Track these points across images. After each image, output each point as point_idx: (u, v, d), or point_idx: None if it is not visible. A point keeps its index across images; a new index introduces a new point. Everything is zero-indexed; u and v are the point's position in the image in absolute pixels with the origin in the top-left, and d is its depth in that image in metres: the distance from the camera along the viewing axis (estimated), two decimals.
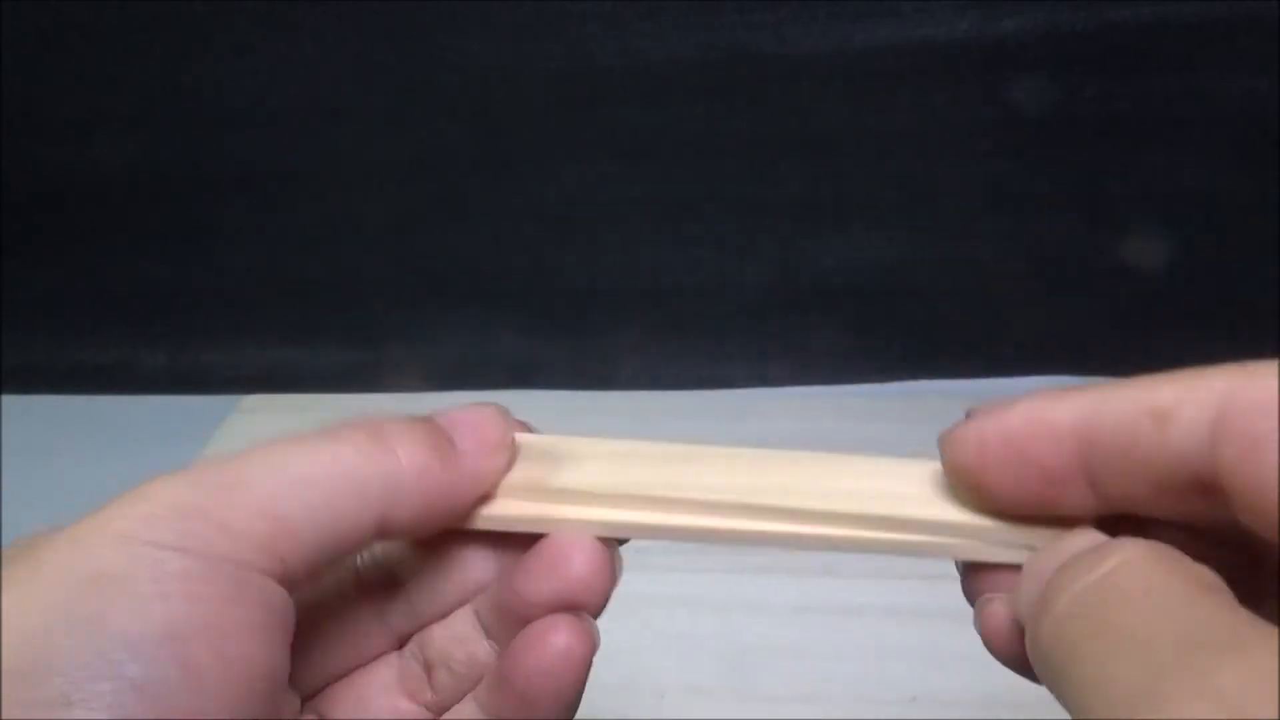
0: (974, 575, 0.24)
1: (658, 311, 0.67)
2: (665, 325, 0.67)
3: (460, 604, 0.27)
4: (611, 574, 0.26)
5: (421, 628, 0.28)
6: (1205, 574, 0.19)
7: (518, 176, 0.64)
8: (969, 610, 0.24)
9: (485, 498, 0.26)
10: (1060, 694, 0.18)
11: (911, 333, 0.65)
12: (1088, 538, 0.22)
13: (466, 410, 0.27)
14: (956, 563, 0.24)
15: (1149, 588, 0.18)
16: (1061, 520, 0.23)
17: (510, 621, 0.26)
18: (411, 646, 0.28)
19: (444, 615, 0.27)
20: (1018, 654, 0.21)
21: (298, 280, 0.70)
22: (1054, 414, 0.22)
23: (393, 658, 0.28)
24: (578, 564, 0.25)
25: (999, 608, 0.23)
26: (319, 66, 0.62)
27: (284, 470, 0.23)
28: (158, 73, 0.64)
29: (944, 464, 0.23)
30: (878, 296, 0.64)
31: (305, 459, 0.24)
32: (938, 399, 0.62)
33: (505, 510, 0.26)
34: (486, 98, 0.62)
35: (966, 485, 0.23)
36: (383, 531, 0.24)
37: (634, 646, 0.47)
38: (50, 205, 0.70)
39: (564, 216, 0.65)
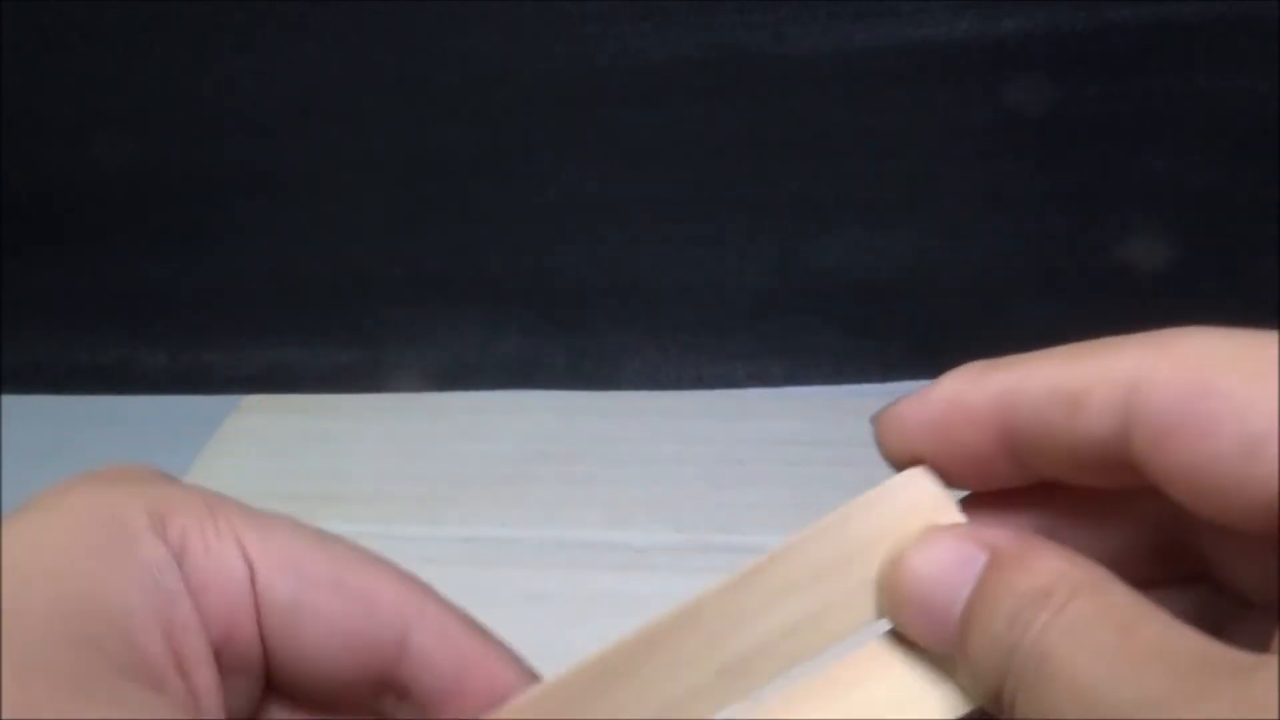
0: None
1: (658, 311, 0.67)
2: (665, 325, 0.67)
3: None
4: None
5: None
6: (1143, 614, 0.18)
7: (518, 176, 0.64)
8: None
9: None
10: None
11: (911, 333, 0.65)
12: (962, 544, 0.20)
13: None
14: None
15: (1088, 648, 0.18)
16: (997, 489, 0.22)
17: None
18: None
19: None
20: None
21: (298, 280, 0.70)
22: (971, 398, 0.21)
23: None
24: None
25: None
26: (319, 66, 0.62)
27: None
28: (158, 73, 0.64)
29: (879, 447, 0.24)
30: (878, 296, 0.64)
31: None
32: None
33: None
34: (486, 98, 0.62)
35: (901, 466, 0.23)
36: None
37: None
38: (50, 205, 0.70)
39: (564, 216, 0.65)
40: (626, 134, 0.62)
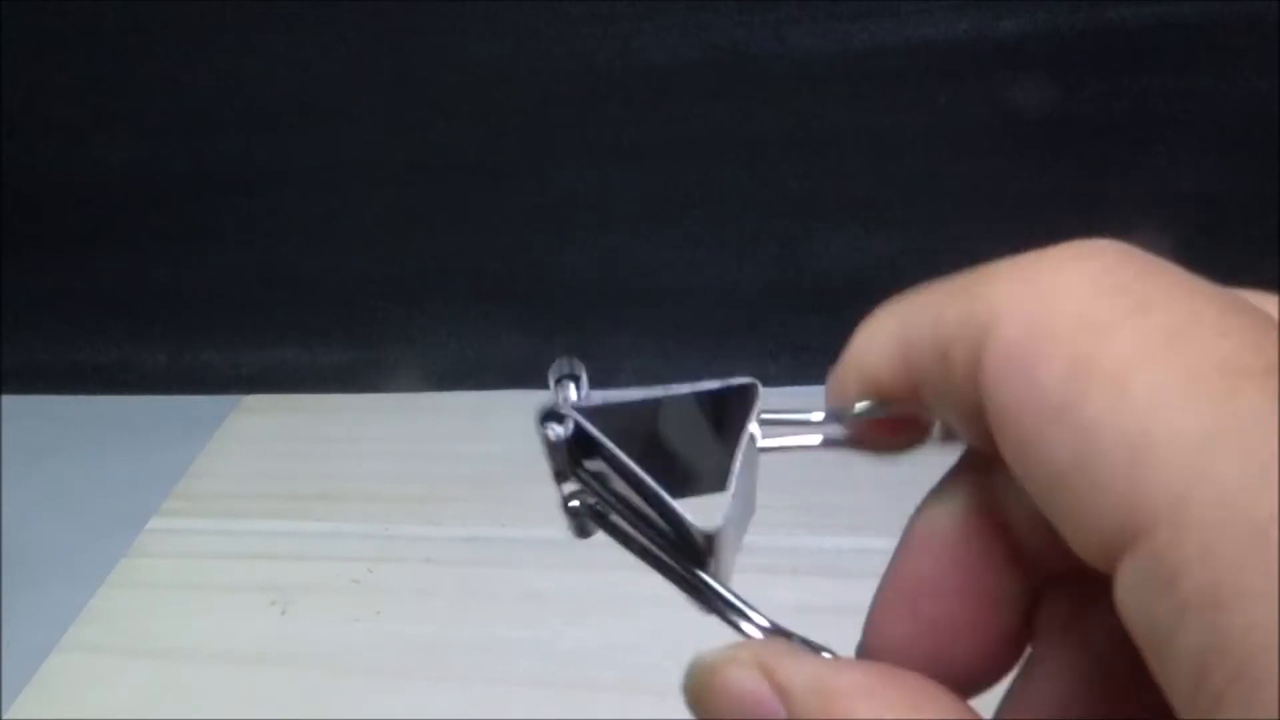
0: None
1: (658, 311, 0.67)
2: (665, 325, 0.67)
3: None
4: None
5: None
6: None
7: (518, 176, 0.64)
8: None
9: None
10: None
11: None
12: (755, 684, 0.18)
13: None
14: None
15: None
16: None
17: None
18: None
19: None
20: None
21: (298, 280, 0.70)
22: (881, 331, 0.19)
23: None
24: None
25: None
26: (319, 66, 0.62)
27: None
28: (158, 73, 0.64)
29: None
30: (878, 296, 0.64)
31: None
32: None
33: None
34: (486, 98, 0.62)
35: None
36: None
37: (634, 646, 0.47)
38: (50, 205, 0.70)
39: (564, 216, 0.65)
40: (626, 134, 0.62)
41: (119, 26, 0.62)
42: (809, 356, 0.66)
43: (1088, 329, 0.14)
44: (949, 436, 0.19)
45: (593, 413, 0.20)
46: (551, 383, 0.20)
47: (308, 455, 0.63)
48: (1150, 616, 0.13)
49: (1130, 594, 0.13)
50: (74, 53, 0.64)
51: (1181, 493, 0.12)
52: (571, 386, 0.20)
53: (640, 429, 0.21)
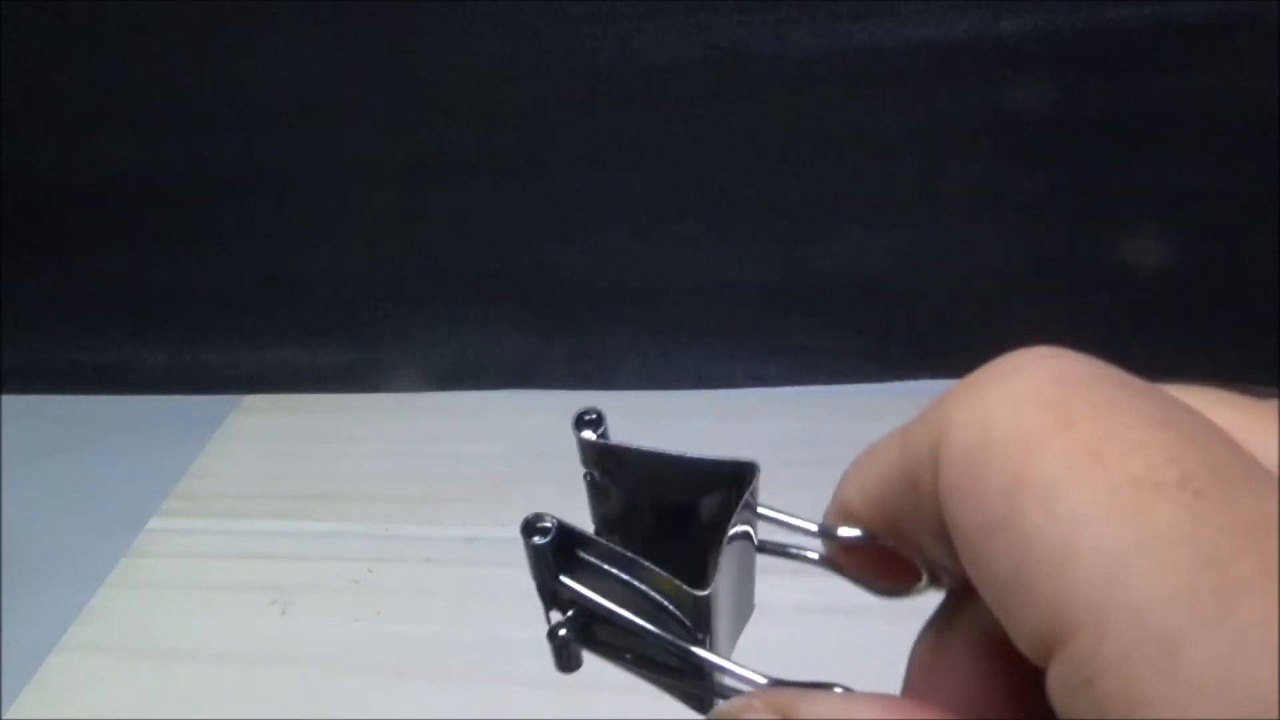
0: None
1: (658, 311, 0.67)
2: (665, 325, 0.67)
3: None
4: None
5: None
6: None
7: (518, 176, 0.64)
8: None
9: None
10: None
11: (911, 333, 0.65)
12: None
13: None
14: None
15: None
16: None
17: None
18: None
19: None
20: None
21: (298, 280, 0.70)
22: (859, 473, 0.20)
23: None
24: None
25: None
26: (319, 66, 0.62)
27: None
28: (158, 73, 0.64)
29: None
30: (878, 296, 0.64)
31: None
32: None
33: None
34: (486, 98, 0.62)
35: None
36: None
37: None
38: (50, 205, 0.70)
39: (564, 216, 0.65)
40: (626, 134, 0.62)
41: (119, 26, 0.62)
42: (809, 356, 0.66)
43: (1020, 444, 0.15)
44: (934, 582, 0.20)
45: (602, 453, 0.21)
46: (572, 425, 0.21)
47: (308, 455, 0.63)
48: (1072, 709, 0.14)
49: (1056, 687, 0.14)
50: (74, 53, 0.64)
51: (1100, 604, 0.14)
52: (591, 432, 0.21)
53: (637, 482, 0.22)
